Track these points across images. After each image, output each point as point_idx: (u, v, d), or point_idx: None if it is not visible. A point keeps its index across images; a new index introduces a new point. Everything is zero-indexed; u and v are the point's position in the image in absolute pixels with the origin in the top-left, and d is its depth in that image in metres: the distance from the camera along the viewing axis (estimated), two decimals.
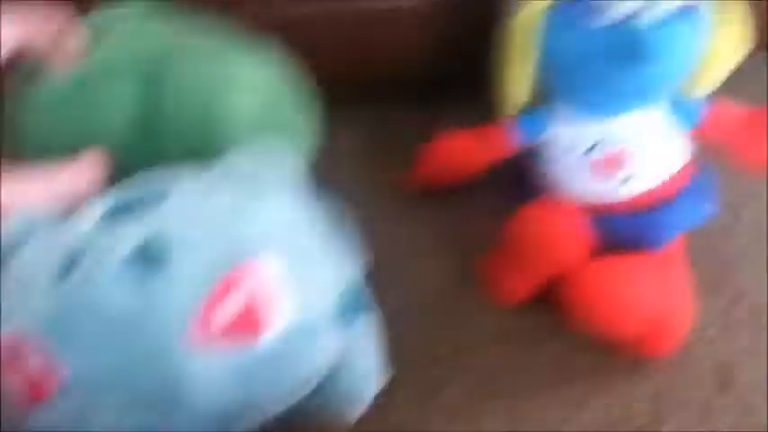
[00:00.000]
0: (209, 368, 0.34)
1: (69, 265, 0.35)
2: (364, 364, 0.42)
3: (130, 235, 0.36)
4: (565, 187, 0.60)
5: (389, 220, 0.65)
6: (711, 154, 0.62)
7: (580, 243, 0.55)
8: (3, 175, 0.39)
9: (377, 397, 0.49)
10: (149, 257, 0.35)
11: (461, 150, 0.64)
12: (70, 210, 0.39)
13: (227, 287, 0.35)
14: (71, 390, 0.34)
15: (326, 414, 0.42)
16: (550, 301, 0.57)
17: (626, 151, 0.58)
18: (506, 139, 0.62)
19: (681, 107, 0.59)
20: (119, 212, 0.37)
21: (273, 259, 0.36)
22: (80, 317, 0.34)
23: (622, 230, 0.58)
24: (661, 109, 0.59)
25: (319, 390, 0.38)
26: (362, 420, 0.50)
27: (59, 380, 0.34)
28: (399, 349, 0.53)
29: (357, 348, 0.41)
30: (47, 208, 0.40)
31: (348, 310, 0.40)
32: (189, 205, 0.37)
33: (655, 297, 0.53)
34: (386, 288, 0.56)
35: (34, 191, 0.41)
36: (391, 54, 0.70)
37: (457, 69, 0.71)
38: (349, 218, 0.44)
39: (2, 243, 0.38)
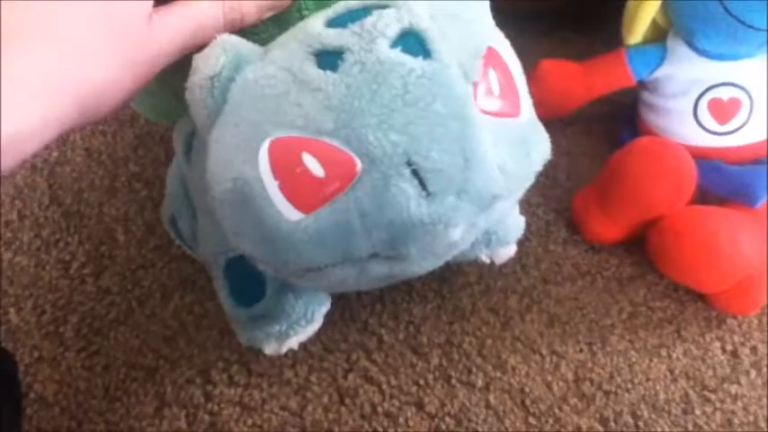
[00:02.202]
0: (491, 134, 0.35)
1: (333, 59, 0.34)
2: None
3: (389, 25, 0.34)
4: (671, 129, 0.59)
5: None
6: None
7: (685, 185, 0.54)
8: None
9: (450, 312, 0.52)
10: (412, 45, 0.34)
11: (573, 77, 0.63)
12: None
13: (486, 67, 0.36)
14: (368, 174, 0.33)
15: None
16: (639, 244, 0.57)
17: (741, 98, 0.56)
18: (621, 71, 0.60)
19: None
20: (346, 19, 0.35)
21: (502, 50, 0.38)
22: (370, 95, 0.33)
23: (723, 181, 0.57)
24: None
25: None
26: (432, 332, 0.53)
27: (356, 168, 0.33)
28: (472, 281, 0.56)
29: None
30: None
31: None
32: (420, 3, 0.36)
33: (747, 253, 0.52)
34: None
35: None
36: None
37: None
38: None
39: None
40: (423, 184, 0.33)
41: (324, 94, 0.34)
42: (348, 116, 0.33)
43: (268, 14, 0.39)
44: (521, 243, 0.53)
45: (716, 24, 0.54)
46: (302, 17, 0.39)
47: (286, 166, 0.34)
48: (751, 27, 0.53)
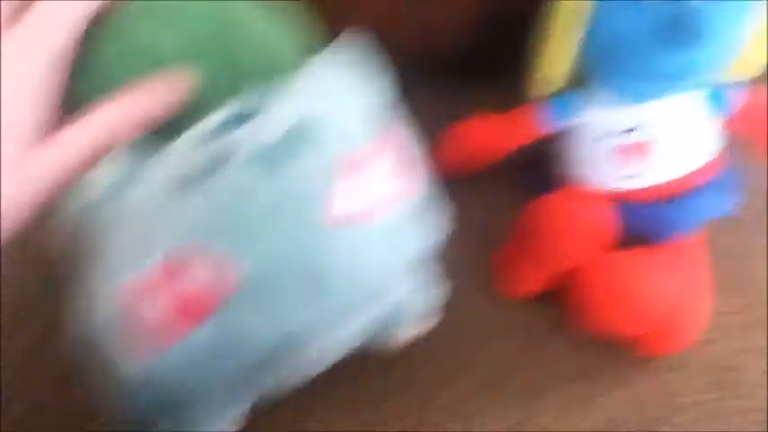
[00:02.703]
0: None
1: (211, 166, 0.35)
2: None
3: (249, 141, 0.36)
4: (589, 174, 0.59)
5: None
6: (739, 146, 0.60)
7: (600, 235, 0.54)
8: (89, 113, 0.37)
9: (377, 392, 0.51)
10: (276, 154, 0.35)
11: (487, 134, 0.63)
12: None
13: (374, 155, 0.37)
14: (245, 291, 0.34)
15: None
16: (559, 296, 0.57)
17: (656, 138, 0.57)
18: (537, 122, 0.61)
19: (716, 95, 0.57)
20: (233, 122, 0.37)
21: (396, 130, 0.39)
22: (241, 209, 0.34)
23: (643, 220, 0.57)
24: (697, 96, 0.57)
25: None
26: (361, 410, 0.52)
27: (232, 282, 0.34)
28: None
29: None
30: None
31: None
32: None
33: (667, 293, 0.53)
34: None
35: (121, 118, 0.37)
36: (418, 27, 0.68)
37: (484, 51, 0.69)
38: None
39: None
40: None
41: (182, 220, 0.34)
42: (205, 241, 0.33)
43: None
44: (445, 305, 0.53)
45: (628, 70, 0.54)
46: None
47: (133, 311, 0.34)
48: (662, 73, 0.53)
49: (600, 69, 0.56)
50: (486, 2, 0.65)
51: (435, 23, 0.67)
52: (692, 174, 0.58)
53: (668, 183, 0.58)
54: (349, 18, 0.61)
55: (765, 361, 0.55)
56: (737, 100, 0.57)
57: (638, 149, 0.57)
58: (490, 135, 0.63)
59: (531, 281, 0.58)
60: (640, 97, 0.56)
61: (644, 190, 0.58)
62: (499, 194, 0.65)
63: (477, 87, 0.69)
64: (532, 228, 0.55)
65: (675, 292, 0.53)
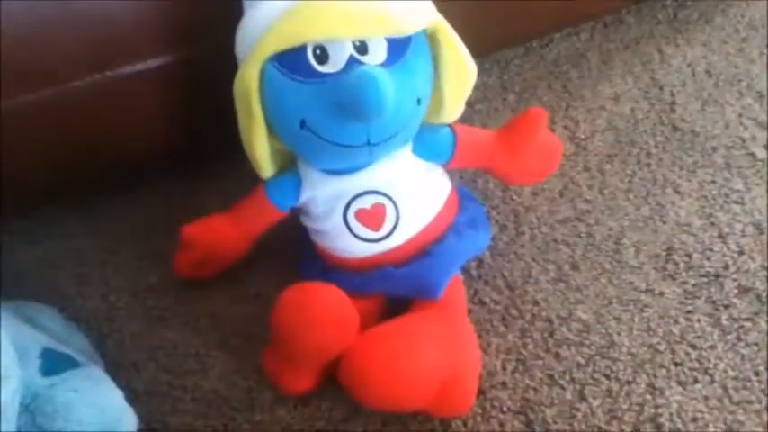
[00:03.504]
0: None
1: None
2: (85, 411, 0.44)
3: None
4: (334, 247, 0.58)
5: (174, 311, 0.61)
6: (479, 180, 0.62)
7: (342, 323, 0.51)
8: None
9: None
10: None
11: (223, 230, 0.60)
12: None
13: None
14: None
15: None
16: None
17: (382, 201, 0.55)
18: (266, 207, 0.58)
19: (429, 144, 0.57)
20: None
21: None
22: None
23: (399, 284, 0.56)
24: (409, 150, 0.56)
25: None
26: None
27: None
28: None
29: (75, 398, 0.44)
30: None
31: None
32: None
33: (434, 359, 0.50)
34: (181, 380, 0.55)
35: None
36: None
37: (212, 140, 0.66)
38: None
39: None
40: None
41: None
42: None
43: None
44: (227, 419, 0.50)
45: (318, 148, 0.53)
46: None
47: None
48: (347, 146, 0.51)
49: (296, 148, 0.55)
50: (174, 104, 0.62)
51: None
52: (436, 221, 0.57)
53: (417, 236, 0.56)
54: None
55: (552, 390, 0.53)
56: (453, 142, 0.57)
57: (376, 211, 0.56)
58: (229, 229, 0.60)
59: (304, 377, 0.54)
60: (348, 168, 0.54)
61: (397, 249, 0.56)
62: (266, 282, 0.62)
63: (201, 185, 0.67)
64: (277, 328, 0.52)
65: (448, 353, 0.51)
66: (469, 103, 0.57)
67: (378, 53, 0.50)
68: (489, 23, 0.68)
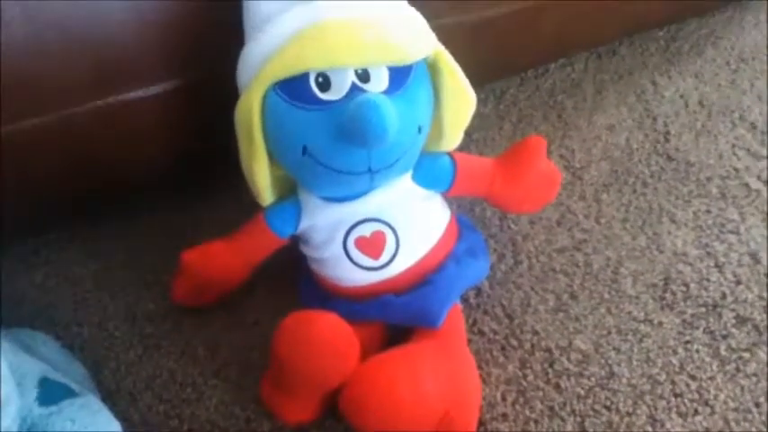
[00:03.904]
0: None
1: None
2: None
3: None
4: (334, 275, 0.57)
5: (171, 339, 0.61)
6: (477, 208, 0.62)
7: (342, 352, 0.51)
8: None
9: None
10: None
11: (223, 257, 0.60)
12: None
13: None
14: None
15: None
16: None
17: (382, 229, 0.55)
18: (266, 235, 0.58)
19: (429, 171, 0.57)
20: None
21: None
22: None
23: (399, 312, 0.56)
24: (409, 178, 0.56)
25: None
26: None
27: None
28: None
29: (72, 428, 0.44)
30: None
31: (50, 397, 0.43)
32: None
33: (435, 390, 0.50)
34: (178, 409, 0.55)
35: None
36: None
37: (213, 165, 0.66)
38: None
39: None
40: None
41: None
42: None
43: None
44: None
45: (319, 175, 0.52)
46: None
47: None
48: (348, 173, 0.51)
49: (298, 175, 0.55)
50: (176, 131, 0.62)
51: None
52: (436, 249, 0.57)
53: (417, 264, 0.56)
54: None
55: (553, 421, 0.53)
56: (452, 170, 0.57)
57: (376, 239, 0.56)
58: (228, 256, 0.59)
59: (304, 407, 0.54)
60: (348, 196, 0.54)
61: (397, 277, 0.56)
62: (265, 311, 0.61)
63: (200, 212, 0.67)
64: (277, 356, 0.51)
65: (448, 385, 0.50)
66: (466, 132, 0.57)
67: (380, 81, 0.51)
68: (485, 53, 0.69)
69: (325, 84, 0.50)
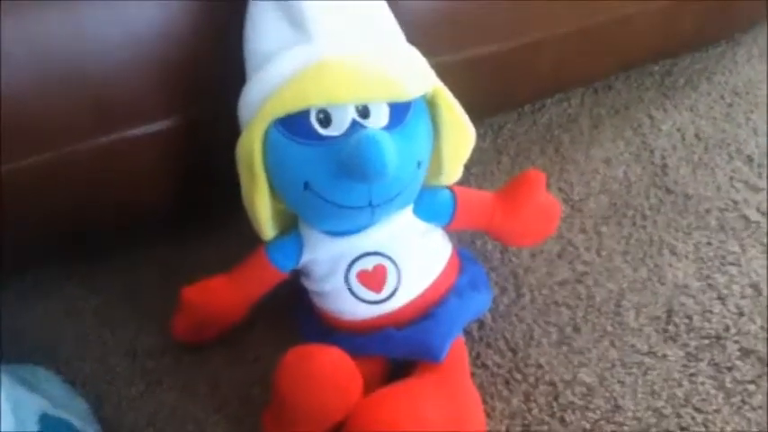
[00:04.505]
0: None
1: None
2: None
3: None
4: (335, 309, 0.57)
5: (172, 375, 0.61)
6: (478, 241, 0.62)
7: (344, 387, 0.50)
8: None
9: None
10: None
11: (224, 292, 0.60)
12: None
13: None
14: None
15: None
16: None
17: (383, 263, 0.55)
18: (267, 269, 0.58)
19: (429, 205, 0.57)
20: None
21: None
22: None
23: (400, 346, 0.55)
24: (410, 212, 0.56)
25: None
26: None
27: None
28: None
29: None
30: None
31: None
32: None
33: (436, 424, 0.49)
34: None
35: None
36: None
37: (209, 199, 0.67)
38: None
39: None
40: None
41: None
42: None
43: None
44: None
45: (320, 209, 0.53)
46: None
47: None
48: (350, 207, 0.52)
49: (298, 210, 0.55)
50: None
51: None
52: (437, 283, 0.57)
53: (419, 297, 0.56)
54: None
55: None
56: (452, 204, 0.57)
57: (378, 273, 0.56)
58: (230, 291, 0.59)
59: None
60: (348, 230, 0.55)
61: (399, 311, 0.56)
62: (264, 344, 0.61)
63: (200, 247, 0.67)
64: (279, 390, 0.51)
65: (450, 418, 0.50)
66: (465, 166, 0.58)
67: (380, 117, 0.51)
68: (483, 89, 0.70)
69: (325, 120, 0.51)
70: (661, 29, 0.78)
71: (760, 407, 0.52)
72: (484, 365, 0.58)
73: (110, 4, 0.55)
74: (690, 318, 0.59)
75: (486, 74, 0.70)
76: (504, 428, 0.54)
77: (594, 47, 0.75)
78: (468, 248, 0.65)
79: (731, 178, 0.70)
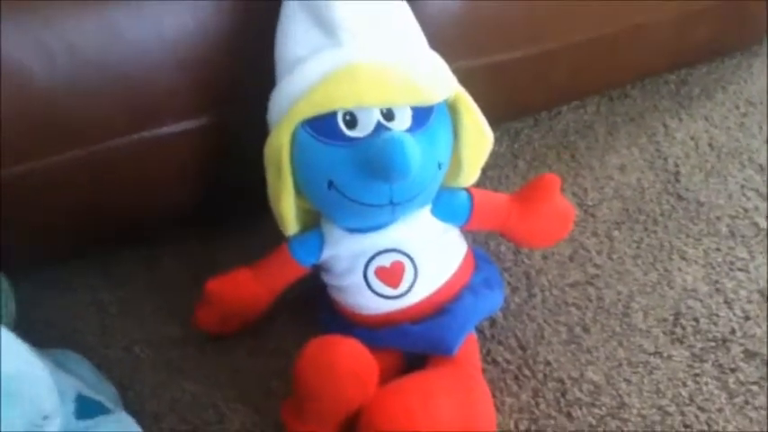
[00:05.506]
0: None
1: None
2: None
3: None
4: (353, 303, 0.59)
5: (195, 364, 0.63)
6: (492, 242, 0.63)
7: (362, 379, 0.52)
8: None
9: None
10: None
11: (248, 285, 0.62)
12: None
13: None
14: None
15: None
16: None
17: (401, 260, 0.57)
18: (289, 263, 0.60)
19: (447, 206, 0.59)
20: None
21: None
22: None
23: (415, 340, 0.57)
24: (428, 212, 0.58)
25: None
26: None
27: None
28: None
29: None
30: None
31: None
32: None
33: (449, 416, 0.51)
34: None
35: None
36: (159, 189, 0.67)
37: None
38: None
39: None
40: None
41: None
42: None
43: None
44: None
45: (343, 207, 0.55)
46: None
47: None
48: (371, 205, 0.54)
49: (322, 207, 0.58)
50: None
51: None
52: (453, 280, 0.59)
53: (434, 294, 0.58)
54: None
55: None
56: (469, 205, 0.59)
57: (395, 269, 0.58)
58: (253, 284, 0.61)
59: (323, 430, 0.55)
60: (369, 227, 0.57)
61: (415, 306, 0.58)
62: (285, 337, 0.63)
63: (223, 242, 0.70)
64: (299, 380, 0.53)
65: (461, 412, 0.52)
66: (482, 170, 0.60)
67: (403, 120, 0.53)
68: (501, 95, 0.72)
69: (352, 122, 0.53)
70: (675, 39, 0.79)
71: (762, 407, 0.54)
72: (494, 362, 0.60)
73: (143, 7, 0.58)
74: (696, 320, 0.60)
75: (504, 80, 0.72)
76: (512, 422, 0.56)
77: (610, 56, 0.77)
78: (482, 249, 0.67)
79: (743, 186, 0.71)
